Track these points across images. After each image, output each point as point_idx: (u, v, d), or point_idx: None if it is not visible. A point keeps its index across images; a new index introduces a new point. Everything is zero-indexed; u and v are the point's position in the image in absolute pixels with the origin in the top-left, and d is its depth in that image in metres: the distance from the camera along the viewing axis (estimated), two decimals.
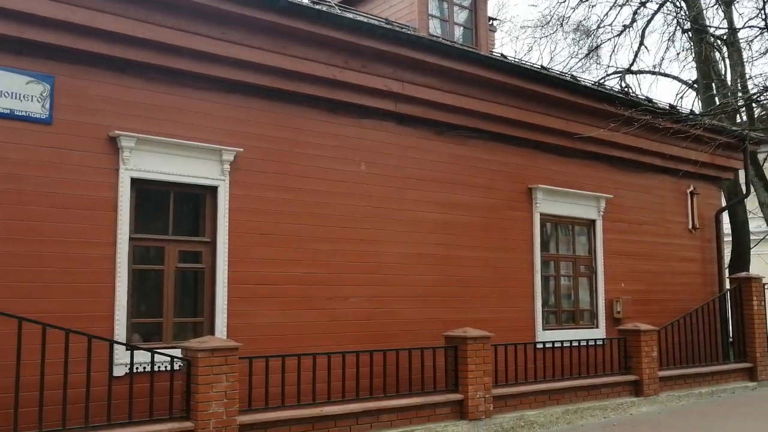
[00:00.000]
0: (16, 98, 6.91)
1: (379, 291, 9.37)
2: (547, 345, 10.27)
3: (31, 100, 7.00)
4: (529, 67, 11.19)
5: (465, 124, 10.43)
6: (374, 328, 9.21)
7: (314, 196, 8.93)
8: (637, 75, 20.25)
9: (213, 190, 8.16)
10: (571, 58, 22.76)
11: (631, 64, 19.22)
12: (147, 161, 7.65)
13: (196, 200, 8.23)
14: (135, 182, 7.61)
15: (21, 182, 6.91)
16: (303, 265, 8.73)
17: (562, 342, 10.42)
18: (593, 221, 12.23)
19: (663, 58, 33.04)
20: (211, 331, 7.92)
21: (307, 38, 8.57)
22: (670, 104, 13.21)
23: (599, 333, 11.81)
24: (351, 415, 7.70)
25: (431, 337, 9.36)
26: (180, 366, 6.89)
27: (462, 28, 11.39)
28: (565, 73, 12.44)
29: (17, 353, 5.98)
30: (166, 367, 7.07)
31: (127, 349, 7.00)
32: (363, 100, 9.34)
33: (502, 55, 11.63)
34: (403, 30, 9.63)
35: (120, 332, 7.29)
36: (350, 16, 9.14)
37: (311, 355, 7.74)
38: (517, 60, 11.22)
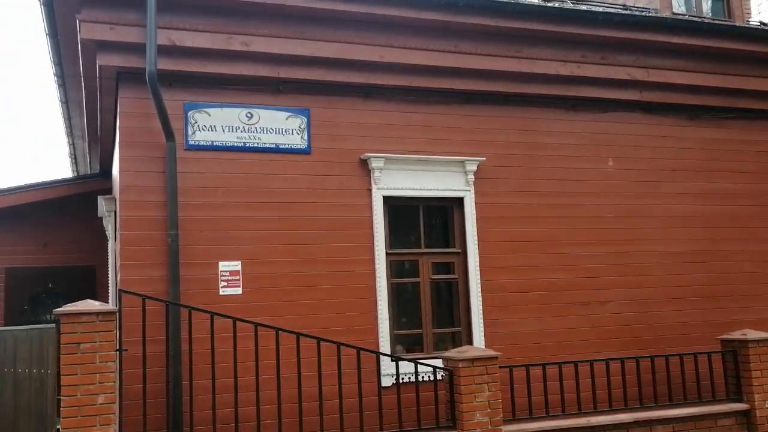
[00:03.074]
0: (278, 133, 7.62)
1: (639, 293, 8.83)
2: None
3: (291, 133, 7.66)
4: None
5: (723, 104, 9.50)
6: (637, 333, 8.69)
7: (561, 198, 8.68)
8: None
9: (459, 201, 8.28)
10: None
11: None
12: (395, 179, 7.98)
13: (443, 212, 8.42)
14: (386, 200, 7.97)
15: (288, 209, 7.57)
16: (555, 270, 8.51)
17: None
18: None
19: None
20: (469, 341, 8.02)
21: (541, 37, 8.41)
22: None
23: None
24: (621, 426, 7.30)
25: (702, 341, 8.61)
26: (442, 376, 7.04)
27: (710, 0, 10.42)
28: None
29: (297, 366, 6.52)
30: (429, 377, 7.28)
31: (392, 360, 7.32)
32: (605, 93, 8.92)
33: (761, 23, 10.42)
34: (643, 13, 9.04)
35: (384, 344, 7.66)
36: (583, 8, 8.79)
37: (572, 363, 7.48)
38: None
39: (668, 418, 7.49)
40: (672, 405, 7.74)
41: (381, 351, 7.47)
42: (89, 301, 5.92)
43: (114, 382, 5.72)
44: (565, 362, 7.48)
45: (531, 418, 7.13)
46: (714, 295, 9.14)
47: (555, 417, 7.21)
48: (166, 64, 7.10)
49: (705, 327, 8.87)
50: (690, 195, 9.29)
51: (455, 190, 8.23)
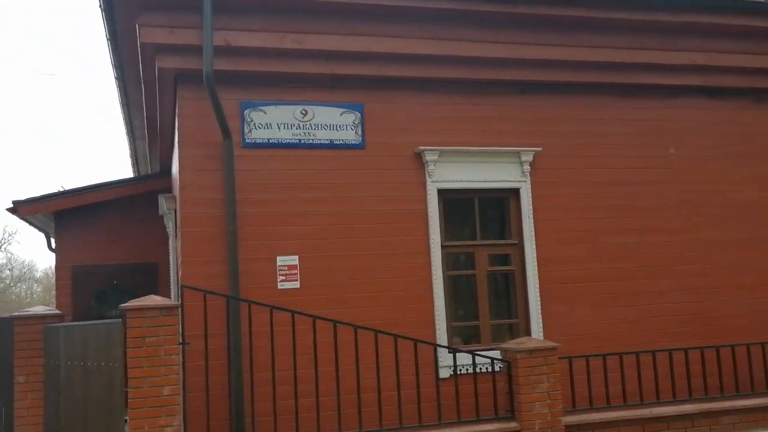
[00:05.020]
0: (333, 129, 7.69)
1: (700, 282, 8.62)
2: None
3: (346, 129, 7.72)
4: None
5: None
6: (700, 323, 8.49)
7: (620, 187, 8.53)
8: None
9: (515, 193, 8.21)
10: None
11: None
12: (450, 172, 7.96)
13: (499, 204, 8.36)
14: (441, 193, 7.96)
15: (344, 204, 7.64)
16: (614, 260, 8.37)
17: None
18: None
19: None
20: (527, 332, 7.96)
21: (598, 25, 8.26)
22: None
23: None
24: (685, 417, 7.14)
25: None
26: (500, 367, 7.00)
27: None
28: None
29: (355, 358, 6.58)
30: (486, 368, 7.25)
31: (449, 352, 7.31)
32: (665, 79, 8.71)
33: None
34: None
35: (441, 336, 7.66)
36: None
37: (634, 353, 7.35)
38: None
39: (735, 409, 7.28)
40: (739, 396, 7.51)
41: (438, 343, 7.47)
42: (152, 296, 6.10)
43: (178, 374, 5.88)
44: (626, 352, 7.35)
45: (592, 409, 7.04)
46: None
47: (616, 408, 7.09)
48: (223, 65, 7.23)
49: None
50: (754, 180, 9.02)
51: (511, 181, 8.17)
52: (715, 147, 8.95)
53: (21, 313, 7.22)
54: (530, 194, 8.19)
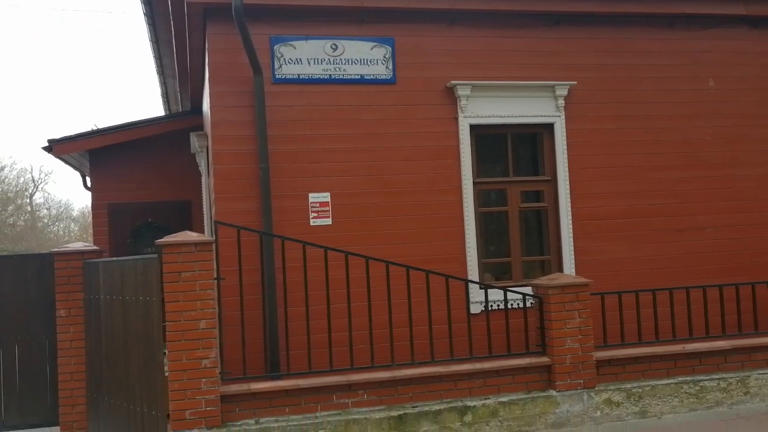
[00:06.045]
0: (363, 64, 7.57)
1: (738, 219, 8.48)
2: None
3: (376, 64, 7.61)
4: None
5: None
6: (737, 260, 8.39)
7: (657, 122, 8.33)
8: None
9: (549, 128, 8.07)
10: None
11: None
12: (482, 107, 7.84)
13: (532, 139, 8.24)
14: (473, 128, 7.86)
15: (375, 140, 7.58)
16: (649, 196, 8.25)
17: None
18: None
19: None
20: (559, 269, 7.94)
21: None
22: None
23: None
24: (718, 353, 7.13)
25: None
26: (532, 303, 7.02)
27: None
28: None
29: (387, 293, 6.64)
30: (518, 304, 7.26)
31: (481, 288, 7.35)
32: (705, 8, 8.39)
33: None
34: None
35: (472, 272, 7.68)
36: None
37: (667, 289, 7.30)
38: None
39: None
40: None
41: (469, 279, 7.50)
42: (187, 232, 6.17)
43: (214, 308, 5.99)
44: (659, 289, 7.32)
45: (623, 345, 7.06)
46: None
47: (648, 344, 7.11)
48: None
49: None
50: None
51: (545, 116, 8.02)
52: (758, 79, 8.67)
53: (61, 249, 7.38)
54: (564, 129, 8.05)
